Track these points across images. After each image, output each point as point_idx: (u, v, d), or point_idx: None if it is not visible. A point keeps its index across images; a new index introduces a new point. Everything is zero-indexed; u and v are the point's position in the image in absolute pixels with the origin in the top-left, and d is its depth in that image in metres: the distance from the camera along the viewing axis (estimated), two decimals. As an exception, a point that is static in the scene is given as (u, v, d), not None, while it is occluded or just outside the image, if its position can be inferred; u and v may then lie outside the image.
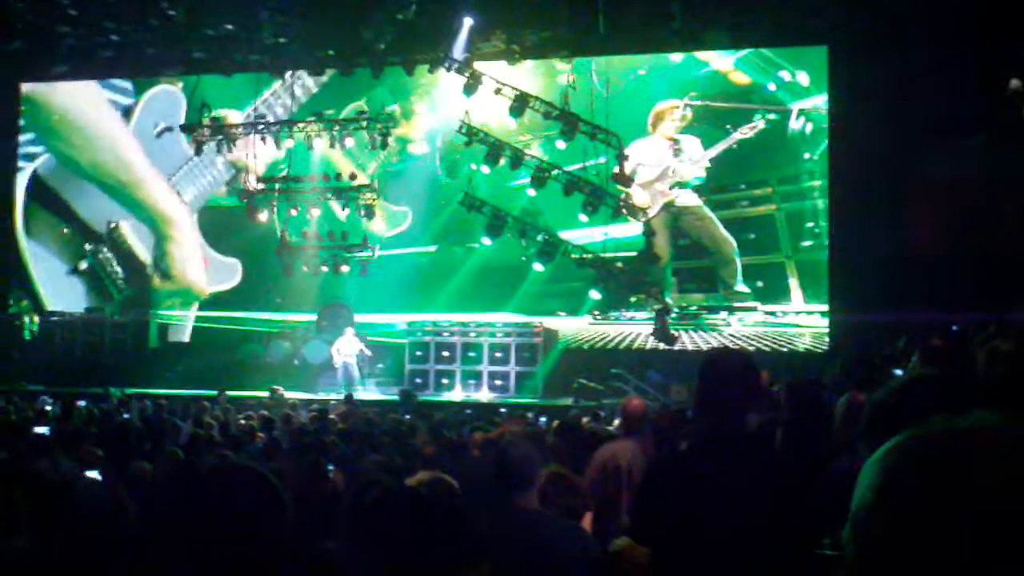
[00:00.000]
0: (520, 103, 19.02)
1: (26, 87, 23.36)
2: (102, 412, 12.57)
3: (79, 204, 23.23)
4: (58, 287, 23.07)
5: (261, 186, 21.23)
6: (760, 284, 19.22)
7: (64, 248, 23.32)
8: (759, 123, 19.04)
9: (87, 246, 23.00)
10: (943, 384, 2.31)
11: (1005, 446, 1.06)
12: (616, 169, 18.50)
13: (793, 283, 19.07)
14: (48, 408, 13.45)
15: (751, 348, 17.82)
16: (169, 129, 22.25)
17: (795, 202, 19.29)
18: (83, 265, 23.00)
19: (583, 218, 18.78)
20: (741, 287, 19.20)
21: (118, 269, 23.03)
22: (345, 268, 20.53)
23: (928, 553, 1.04)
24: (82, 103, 23.17)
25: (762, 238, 19.38)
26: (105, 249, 23.01)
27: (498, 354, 19.01)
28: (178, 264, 22.70)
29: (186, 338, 22.60)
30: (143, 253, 22.98)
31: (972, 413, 1.12)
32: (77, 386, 17.34)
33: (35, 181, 23.52)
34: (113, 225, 22.99)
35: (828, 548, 3.13)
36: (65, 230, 23.26)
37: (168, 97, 22.62)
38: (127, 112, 23.19)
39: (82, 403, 13.59)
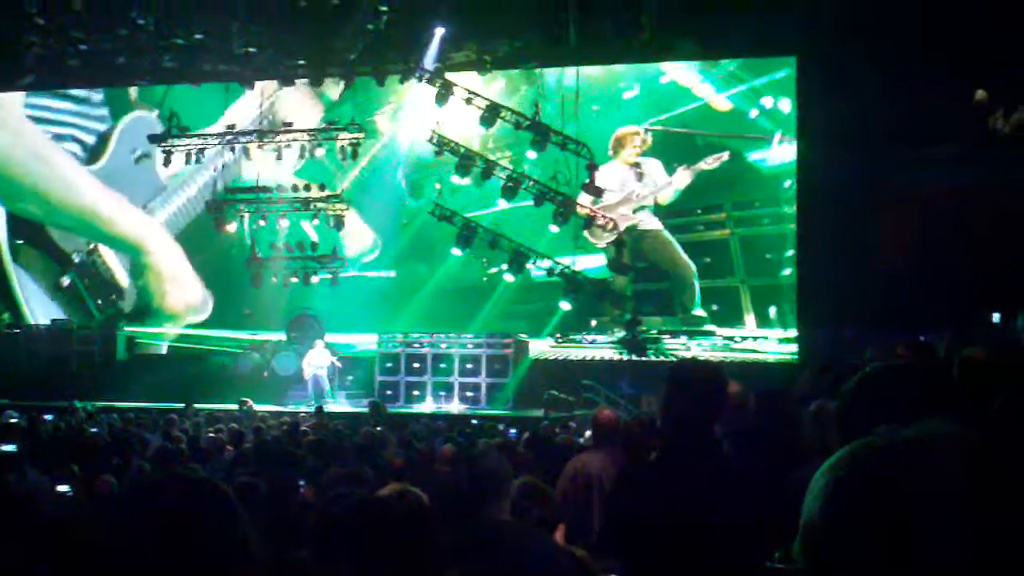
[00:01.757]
0: (491, 113, 19.05)
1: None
2: (69, 426, 12.44)
3: (56, 233, 23.16)
4: (43, 304, 22.87)
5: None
6: (715, 308, 19.34)
7: (48, 265, 23.13)
8: (723, 155, 19.15)
9: (75, 256, 22.81)
10: (904, 375, 2.30)
11: (947, 455, 1.07)
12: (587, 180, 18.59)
13: (746, 307, 19.24)
14: (14, 421, 13.27)
15: (721, 359, 17.94)
16: (147, 155, 22.09)
17: (749, 227, 19.48)
18: (65, 282, 22.82)
19: (553, 228, 18.79)
20: (699, 311, 19.32)
21: (98, 288, 22.88)
22: (315, 279, 20.48)
23: (873, 562, 1.05)
24: (24, 156, 22.97)
25: (717, 262, 19.51)
26: (86, 267, 22.87)
27: (469, 365, 18.96)
28: (158, 289, 22.53)
29: (163, 352, 22.44)
30: (121, 273, 22.82)
31: (920, 422, 1.13)
32: (43, 399, 17.13)
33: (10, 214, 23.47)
34: (92, 246, 22.84)
35: (779, 561, 3.13)
36: (48, 248, 23.11)
37: (143, 123, 22.45)
38: (103, 138, 23.03)
39: (48, 417, 13.43)
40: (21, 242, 23.22)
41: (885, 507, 1.06)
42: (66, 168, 22.85)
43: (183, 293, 22.36)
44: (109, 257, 22.83)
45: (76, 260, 22.86)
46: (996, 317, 14.10)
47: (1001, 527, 1.03)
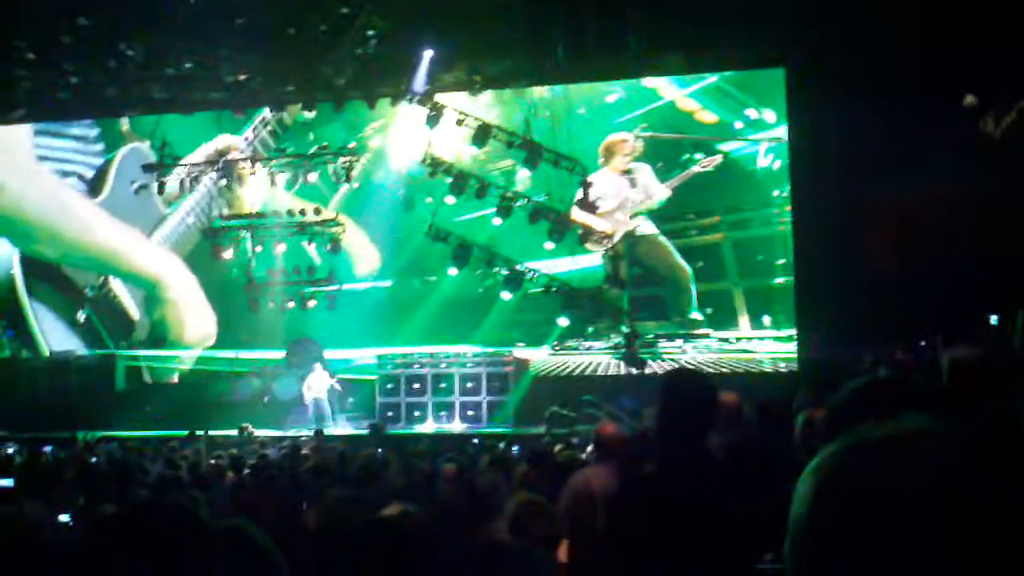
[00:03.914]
0: (482, 133, 19.13)
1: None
2: (68, 456, 12.41)
3: (69, 269, 23.12)
4: (65, 339, 22.76)
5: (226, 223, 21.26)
6: (710, 311, 19.36)
7: (65, 301, 23.09)
8: (717, 157, 19.24)
9: (87, 290, 22.80)
10: (898, 386, 2.31)
11: (930, 449, 1.07)
12: (579, 195, 18.66)
13: (740, 309, 19.30)
14: (12, 452, 13.27)
15: (718, 370, 17.98)
16: (144, 186, 22.00)
17: (740, 231, 19.54)
18: (81, 317, 22.77)
19: (549, 246, 18.84)
20: (695, 315, 19.33)
21: (113, 321, 22.84)
22: (312, 303, 20.49)
23: (859, 562, 1.05)
24: (36, 197, 22.91)
25: (709, 265, 19.56)
26: (100, 302, 22.84)
27: (469, 384, 18.93)
28: (175, 321, 22.48)
29: (175, 381, 22.41)
30: (132, 308, 22.81)
31: (902, 417, 1.13)
32: (43, 430, 17.10)
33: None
34: (102, 280, 22.83)
35: (771, 563, 3.14)
36: (63, 284, 23.08)
37: (138, 154, 22.41)
38: (101, 172, 23.08)
39: (47, 448, 13.42)
40: (37, 279, 23.12)
41: (868, 505, 1.05)
42: (80, 207, 22.81)
43: (200, 324, 22.32)
44: (120, 291, 22.82)
45: (89, 295, 22.83)
46: (994, 320, 14.06)
47: (981, 527, 1.02)
